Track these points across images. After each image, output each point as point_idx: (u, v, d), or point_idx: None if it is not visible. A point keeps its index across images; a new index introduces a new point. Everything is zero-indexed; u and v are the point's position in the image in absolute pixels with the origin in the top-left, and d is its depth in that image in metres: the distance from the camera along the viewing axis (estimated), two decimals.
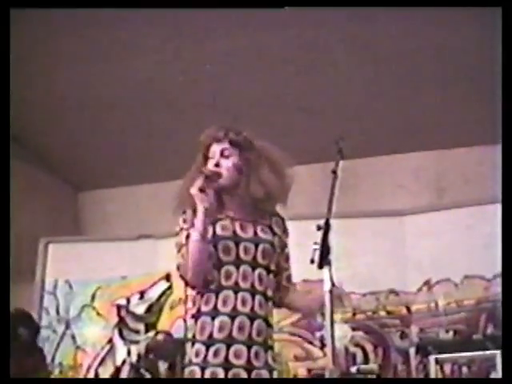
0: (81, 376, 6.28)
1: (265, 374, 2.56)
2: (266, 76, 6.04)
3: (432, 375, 4.59)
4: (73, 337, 6.46)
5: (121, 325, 6.53)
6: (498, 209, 5.87)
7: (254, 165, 2.67)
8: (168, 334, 6.08)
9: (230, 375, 2.48)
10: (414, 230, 5.93)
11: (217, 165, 2.64)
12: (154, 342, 5.68)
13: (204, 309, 2.57)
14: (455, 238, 5.77)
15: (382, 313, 5.77)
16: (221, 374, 2.43)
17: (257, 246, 2.62)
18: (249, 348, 2.55)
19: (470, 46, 5.59)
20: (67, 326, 6.51)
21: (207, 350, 2.51)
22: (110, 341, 6.49)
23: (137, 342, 6.21)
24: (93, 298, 6.59)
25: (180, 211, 2.80)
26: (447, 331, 5.66)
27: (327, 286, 2.32)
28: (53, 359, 6.32)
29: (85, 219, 7.86)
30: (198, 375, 2.51)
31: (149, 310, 6.58)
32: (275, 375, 2.60)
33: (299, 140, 6.66)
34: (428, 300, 5.79)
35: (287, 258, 2.75)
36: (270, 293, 2.63)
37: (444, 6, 4.85)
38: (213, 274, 2.60)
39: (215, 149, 2.71)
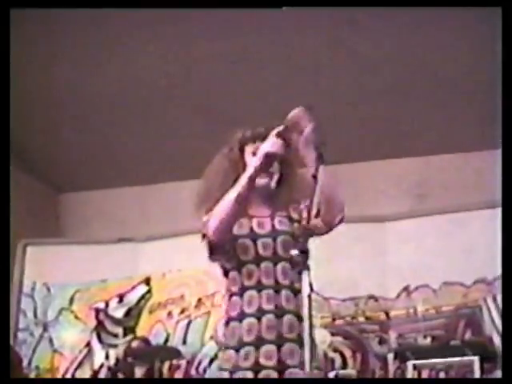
0: None
1: (299, 373, 2.36)
2: (251, 78, 6.04)
3: None
4: (50, 340, 6.41)
5: (99, 328, 6.50)
6: (478, 215, 5.92)
7: (294, 163, 2.62)
8: (146, 338, 6.05)
9: (260, 375, 2.37)
10: (395, 235, 5.95)
11: (264, 164, 2.49)
12: (132, 345, 5.65)
13: (232, 313, 2.49)
14: (435, 244, 5.80)
15: (361, 318, 5.78)
16: (250, 377, 2.31)
17: (275, 240, 2.52)
18: (279, 347, 2.41)
19: (457, 52, 5.62)
20: (45, 329, 6.46)
21: (237, 354, 2.42)
22: (88, 344, 6.45)
23: (115, 346, 6.17)
24: (71, 301, 6.55)
25: (202, 208, 2.64)
26: (425, 337, 5.69)
27: (306, 291, 2.20)
28: (29, 362, 6.26)
29: (65, 221, 7.80)
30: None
31: (128, 313, 6.55)
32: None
33: None
34: (407, 306, 5.81)
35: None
36: (298, 285, 2.42)
37: (444, 6, 4.86)
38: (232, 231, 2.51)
39: (260, 146, 2.57)
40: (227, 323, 2.50)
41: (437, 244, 5.78)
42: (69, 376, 6.32)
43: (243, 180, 2.46)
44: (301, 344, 2.32)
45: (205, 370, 6.23)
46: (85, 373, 6.26)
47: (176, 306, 6.50)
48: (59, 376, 6.29)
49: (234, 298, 2.51)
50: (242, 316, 2.46)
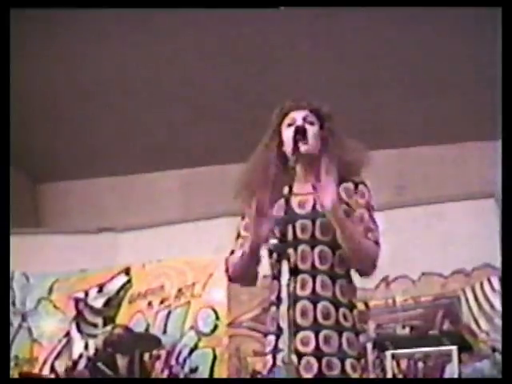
0: (36, 369, 6.21)
1: (336, 363, 2.32)
2: (229, 72, 6.04)
3: (388, 370, 4.63)
4: (29, 330, 6.39)
5: (78, 318, 6.48)
6: (456, 207, 5.97)
7: (338, 135, 2.51)
8: (127, 327, 6.04)
9: (302, 363, 2.32)
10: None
11: (302, 128, 2.42)
12: (112, 335, 5.64)
13: (272, 298, 2.44)
14: (414, 235, 5.84)
15: None
16: (294, 360, 2.23)
17: (314, 222, 2.40)
18: (316, 333, 2.36)
19: (432, 43, 5.65)
20: (23, 319, 6.43)
21: (277, 339, 2.37)
22: (67, 334, 6.43)
23: (94, 336, 6.16)
24: (50, 290, 6.52)
25: (242, 195, 2.53)
26: (404, 327, 5.73)
27: (285, 278, 2.15)
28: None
29: (44, 211, 7.76)
30: (270, 363, 2.40)
31: (107, 303, 6.53)
32: (348, 365, 2.33)
33: (261, 136, 6.68)
34: (386, 296, 5.86)
35: (361, 219, 2.42)
36: (338, 270, 2.38)
37: (444, 6, 4.88)
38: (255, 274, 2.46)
39: (296, 115, 2.50)
40: (268, 309, 2.47)
41: (416, 235, 5.82)
42: (47, 366, 6.31)
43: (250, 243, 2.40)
44: (339, 331, 2.34)
45: (185, 360, 6.25)
46: (64, 363, 6.24)
47: (156, 296, 6.50)
48: (38, 366, 6.27)
49: (274, 281, 2.44)
50: (278, 302, 2.37)
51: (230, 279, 2.53)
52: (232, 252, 2.56)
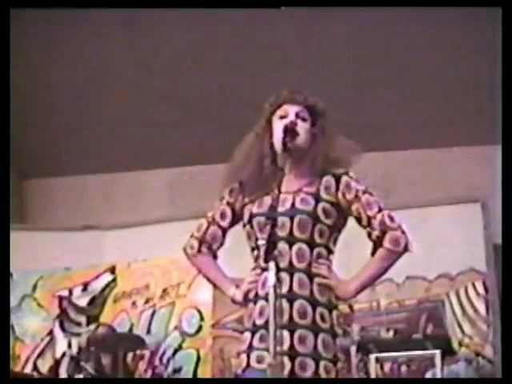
0: (18, 368, 6.17)
1: (309, 364, 2.30)
2: (218, 71, 6.03)
3: (372, 373, 4.65)
4: (12, 327, 6.35)
5: (62, 316, 6.45)
6: (442, 211, 6.00)
7: (329, 132, 2.53)
8: (110, 327, 6.02)
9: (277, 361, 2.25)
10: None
11: (294, 123, 2.43)
12: (95, 334, 5.62)
13: (250, 295, 2.45)
14: None
15: None
16: (267, 358, 2.15)
17: (292, 219, 2.39)
18: (292, 333, 2.33)
19: (426, 46, 5.66)
20: None
21: (252, 336, 2.38)
22: (51, 332, 6.40)
23: (78, 335, 6.13)
24: (34, 288, 6.49)
25: (229, 182, 2.59)
26: (388, 330, 5.75)
27: (271, 281, 2.15)
28: None
29: (29, 208, 7.71)
30: (245, 362, 2.39)
31: (92, 302, 6.51)
32: (322, 367, 2.30)
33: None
34: (370, 299, 5.87)
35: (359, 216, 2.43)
36: (315, 269, 2.37)
37: (444, 6, 4.89)
38: None
39: (289, 109, 2.50)
40: (246, 305, 2.48)
41: None
42: (30, 364, 6.27)
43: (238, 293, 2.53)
44: (315, 331, 2.32)
45: (168, 360, 6.24)
46: (46, 361, 6.21)
47: (141, 296, 6.48)
48: (20, 364, 6.23)
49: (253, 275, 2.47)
50: (256, 298, 2.41)
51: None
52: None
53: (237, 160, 2.59)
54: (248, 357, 2.39)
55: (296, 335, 2.33)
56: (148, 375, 6.22)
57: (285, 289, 2.35)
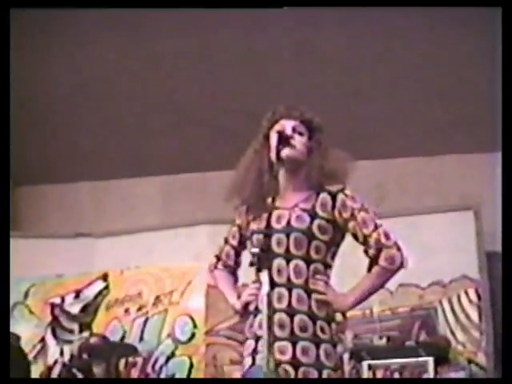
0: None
1: (313, 371, 2.40)
2: (212, 79, 6.03)
3: None
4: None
5: (54, 324, 6.43)
6: (434, 219, 6.01)
7: (324, 146, 2.59)
8: (103, 335, 6.01)
9: (280, 371, 2.38)
10: (352, 237, 6.00)
11: (290, 137, 2.51)
12: (87, 342, 5.60)
13: (250, 307, 2.53)
14: None
15: None
16: (271, 365, 2.26)
17: (288, 237, 2.46)
18: (294, 344, 2.42)
19: (416, 51, 5.67)
20: None
21: (256, 342, 2.47)
22: (42, 340, 6.37)
23: (70, 342, 6.11)
24: (26, 295, 6.47)
25: (232, 198, 2.66)
26: (381, 337, 5.75)
27: (265, 289, 2.21)
28: None
29: (21, 215, 7.69)
30: (249, 363, 2.49)
31: (84, 309, 6.49)
32: (326, 375, 2.40)
33: (242, 143, 6.67)
34: (363, 307, 5.86)
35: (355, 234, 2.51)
36: (313, 285, 2.45)
37: (444, 6, 4.90)
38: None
39: (286, 124, 2.56)
40: (247, 317, 2.56)
41: None
42: None
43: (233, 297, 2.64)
44: (316, 343, 2.42)
45: (161, 368, 6.22)
46: (38, 368, 6.18)
47: (133, 303, 6.47)
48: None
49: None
50: (256, 311, 2.48)
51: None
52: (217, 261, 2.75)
53: (237, 177, 2.65)
54: (253, 358, 2.48)
55: (298, 346, 2.42)
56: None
57: (284, 304, 2.44)
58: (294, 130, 2.56)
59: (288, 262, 2.46)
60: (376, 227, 2.51)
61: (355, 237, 2.53)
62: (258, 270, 2.27)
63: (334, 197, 2.52)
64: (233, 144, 6.78)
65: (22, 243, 6.63)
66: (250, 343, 2.52)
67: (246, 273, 2.74)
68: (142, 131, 6.73)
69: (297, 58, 5.74)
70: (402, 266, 2.51)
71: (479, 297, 5.64)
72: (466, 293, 5.72)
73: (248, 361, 2.50)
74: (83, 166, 7.28)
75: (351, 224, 2.51)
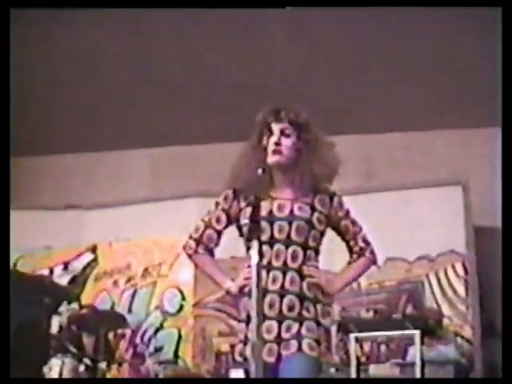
0: None
1: (293, 344, 2.57)
2: (201, 53, 5.99)
3: (352, 353, 4.69)
4: None
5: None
6: (423, 194, 6.04)
7: (313, 145, 2.75)
8: (92, 306, 6.02)
9: (265, 349, 2.56)
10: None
11: (277, 143, 2.70)
12: (76, 313, 5.61)
13: (245, 289, 2.66)
14: (380, 220, 5.89)
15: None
16: (259, 346, 2.39)
17: (291, 224, 2.67)
18: (279, 323, 2.61)
19: (407, 32, 5.66)
20: None
21: (247, 327, 2.62)
22: None
23: (59, 314, 6.12)
24: (15, 266, 6.47)
25: (230, 187, 2.80)
26: (368, 311, 5.80)
27: (255, 259, 2.28)
28: None
29: (10, 186, 7.66)
30: (242, 354, 2.67)
31: (72, 281, 6.50)
32: (305, 344, 2.56)
33: (230, 117, 6.66)
34: None
35: (346, 229, 2.78)
36: (307, 268, 2.66)
37: (444, 6, 4.90)
38: None
39: (275, 127, 2.74)
40: (240, 297, 2.71)
41: (382, 221, 5.87)
42: None
43: (217, 276, 2.82)
44: (300, 321, 2.60)
45: (150, 340, 6.26)
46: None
47: (122, 275, 6.49)
48: None
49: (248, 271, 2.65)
50: (250, 293, 2.52)
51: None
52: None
53: (236, 168, 2.81)
54: (244, 346, 2.64)
55: (283, 325, 2.61)
56: (129, 354, 6.24)
57: (278, 285, 2.62)
58: (281, 132, 2.72)
59: (287, 247, 2.65)
60: (361, 228, 2.83)
61: (344, 233, 2.80)
62: (248, 241, 2.36)
63: (331, 197, 2.77)
64: (222, 117, 6.83)
65: (11, 215, 6.61)
66: (242, 328, 2.68)
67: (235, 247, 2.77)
68: (132, 104, 6.70)
69: (286, 33, 5.71)
70: (376, 261, 2.87)
71: (466, 271, 5.69)
72: (453, 267, 5.77)
73: (241, 348, 2.66)
74: (73, 138, 7.25)
75: (344, 222, 2.78)
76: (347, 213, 2.80)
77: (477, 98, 6.34)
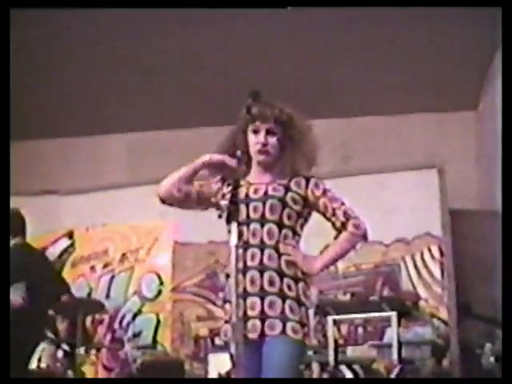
0: None
1: (277, 323, 2.62)
2: (180, 36, 5.96)
3: (330, 335, 4.73)
4: None
5: None
6: (399, 177, 6.08)
7: (296, 140, 2.84)
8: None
9: (248, 325, 2.60)
10: (320, 214, 6.03)
11: (264, 144, 2.81)
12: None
13: (227, 270, 2.69)
14: (357, 204, 5.91)
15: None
16: (240, 325, 2.51)
17: (264, 204, 2.75)
18: (262, 299, 2.65)
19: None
20: None
21: (229, 306, 2.64)
22: None
23: None
24: None
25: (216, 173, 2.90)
26: (345, 293, 5.85)
27: (234, 240, 2.33)
28: None
29: None
30: (226, 328, 2.69)
31: None
32: (290, 325, 2.62)
33: (210, 101, 6.64)
34: None
35: (325, 208, 2.79)
36: (283, 246, 2.72)
37: (444, 6, 4.90)
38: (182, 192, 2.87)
39: (260, 126, 2.83)
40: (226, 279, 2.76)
41: (359, 204, 5.89)
42: None
43: (198, 161, 2.84)
44: (283, 297, 2.66)
45: (128, 325, 6.26)
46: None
47: (99, 261, 6.47)
48: None
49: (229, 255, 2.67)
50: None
51: (163, 200, 2.95)
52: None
53: (219, 151, 2.89)
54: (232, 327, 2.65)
55: (266, 301, 2.65)
56: (107, 339, 6.24)
57: (256, 262, 2.69)
58: (267, 131, 2.81)
59: (262, 225, 2.73)
60: (343, 203, 2.83)
61: (324, 213, 2.82)
62: (228, 222, 2.40)
63: (307, 180, 2.82)
64: (200, 101, 6.80)
65: None
66: (227, 308, 2.71)
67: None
68: (110, 88, 6.65)
69: (267, 16, 5.68)
70: (365, 236, 2.84)
71: (442, 253, 5.75)
72: (429, 250, 5.82)
73: (227, 328, 2.68)
74: (50, 123, 7.19)
75: (322, 200, 2.80)
76: (324, 191, 2.81)
77: (452, 82, 6.38)
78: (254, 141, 2.82)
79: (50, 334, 4.99)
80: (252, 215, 2.73)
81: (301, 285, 2.70)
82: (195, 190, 2.88)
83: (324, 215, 2.81)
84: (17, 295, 4.54)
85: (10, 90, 3.51)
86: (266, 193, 2.77)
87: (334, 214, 2.78)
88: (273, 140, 2.81)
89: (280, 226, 2.73)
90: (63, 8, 5.09)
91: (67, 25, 5.73)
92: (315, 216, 2.86)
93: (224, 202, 2.41)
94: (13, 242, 4.78)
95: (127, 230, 6.45)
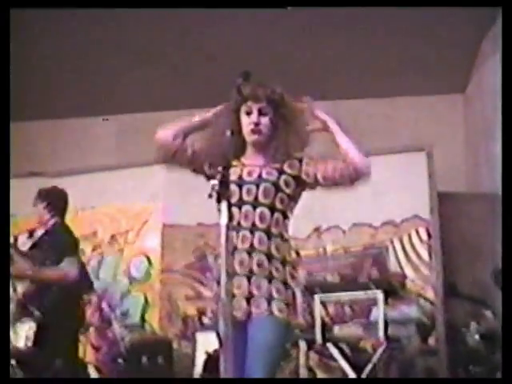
0: None
1: (263, 302, 2.69)
2: (169, 17, 5.92)
3: (317, 315, 4.76)
4: None
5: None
6: (387, 160, 6.10)
7: (288, 119, 2.88)
8: None
9: (234, 303, 2.61)
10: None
11: (257, 123, 2.85)
12: None
13: (217, 252, 2.69)
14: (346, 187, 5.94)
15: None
16: (228, 303, 2.48)
17: (258, 187, 2.80)
18: (249, 279, 2.72)
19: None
20: None
21: (218, 286, 2.65)
22: None
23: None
24: None
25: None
26: (333, 275, 5.88)
27: (224, 220, 2.36)
28: None
29: None
30: (214, 307, 2.78)
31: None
32: (275, 305, 2.68)
33: (198, 83, 6.63)
34: (317, 246, 5.99)
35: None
36: (274, 230, 2.77)
37: (444, 6, 4.91)
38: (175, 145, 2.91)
39: (253, 106, 2.88)
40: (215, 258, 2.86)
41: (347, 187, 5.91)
42: None
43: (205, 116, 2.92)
44: (269, 279, 2.73)
45: (116, 305, 6.28)
46: None
47: (88, 243, 6.47)
48: None
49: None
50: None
51: (158, 145, 3.03)
52: None
53: (209, 132, 2.93)
54: (217, 304, 2.71)
55: (253, 281, 2.72)
56: (95, 318, 6.25)
57: (247, 244, 2.74)
58: (260, 112, 2.85)
59: (255, 208, 2.78)
60: (335, 160, 2.91)
61: (323, 173, 2.83)
62: (218, 201, 2.43)
63: (300, 160, 2.88)
64: (189, 83, 6.77)
65: None
66: (215, 288, 2.78)
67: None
68: (98, 70, 6.62)
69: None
70: (367, 170, 3.02)
71: (429, 236, 5.79)
72: (417, 232, 5.86)
73: (212, 306, 2.79)
74: (37, 105, 7.15)
75: (320, 162, 2.86)
76: (320, 159, 2.88)
77: (441, 65, 6.39)
78: (247, 121, 2.86)
79: (36, 312, 5.00)
80: (245, 197, 2.78)
81: (288, 268, 2.77)
82: (192, 149, 2.88)
83: (323, 178, 2.84)
84: (73, 267, 4.67)
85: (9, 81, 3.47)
86: (259, 175, 2.82)
87: (335, 170, 2.85)
88: (265, 120, 2.86)
89: (272, 209, 2.79)
90: (63, 8, 5.14)
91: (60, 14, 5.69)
92: (304, 198, 2.91)
93: (214, 182, 2.43)
94: (55, 219, 5.00)
95: (116, 212, 6.45)
